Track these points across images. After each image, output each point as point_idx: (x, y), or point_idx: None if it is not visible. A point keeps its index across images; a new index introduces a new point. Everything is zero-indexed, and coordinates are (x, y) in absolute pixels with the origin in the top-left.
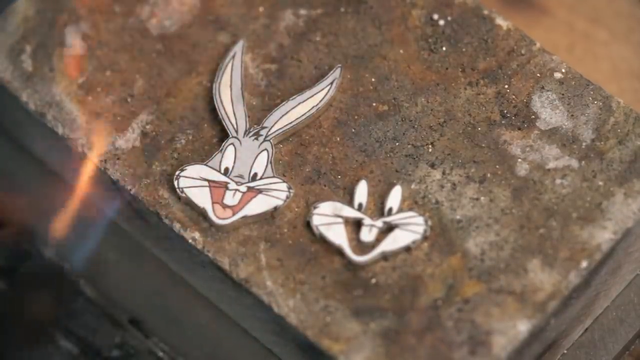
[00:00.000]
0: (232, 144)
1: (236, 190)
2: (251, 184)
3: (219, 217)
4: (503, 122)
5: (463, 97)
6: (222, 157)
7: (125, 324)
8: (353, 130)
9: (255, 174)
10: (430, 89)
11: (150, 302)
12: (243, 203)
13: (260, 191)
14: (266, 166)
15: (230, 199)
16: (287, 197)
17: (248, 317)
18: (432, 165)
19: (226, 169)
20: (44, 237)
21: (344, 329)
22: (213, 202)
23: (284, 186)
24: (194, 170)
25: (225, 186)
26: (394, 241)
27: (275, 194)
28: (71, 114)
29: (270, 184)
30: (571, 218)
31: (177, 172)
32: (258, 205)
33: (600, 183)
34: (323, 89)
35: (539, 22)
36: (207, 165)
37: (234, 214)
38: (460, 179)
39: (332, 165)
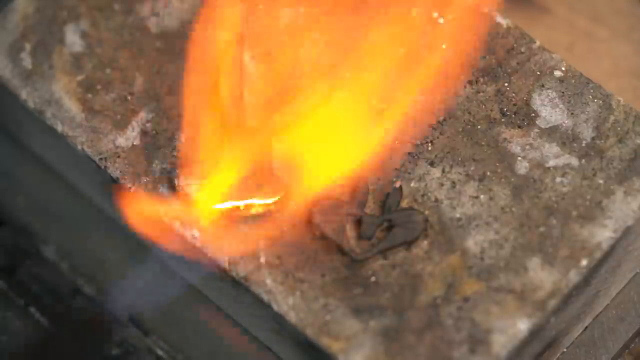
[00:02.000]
0: None
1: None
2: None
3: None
4: (503, 120)
5: (463, 95)
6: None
7: (124, 322)
8: (352, 127)
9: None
10: (430, 87)
11: (149, 300)
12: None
13: (260, 188)
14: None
15: None
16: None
17: (247, 315)
18: (432, 164)
19: None
20: (43, 236)
21: (344, 327)
22: None
23: (282, 183)
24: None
25: None
26: (394, 239)
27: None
28: (70, 112)
29: (268, 180)
30: (571, 216)
31: (177, 170)
32: (257, 202)
33: (600, 181)
34: (322, 87)
35: (539, 20)
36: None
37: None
38: (460, 177)
39: (331, 162)
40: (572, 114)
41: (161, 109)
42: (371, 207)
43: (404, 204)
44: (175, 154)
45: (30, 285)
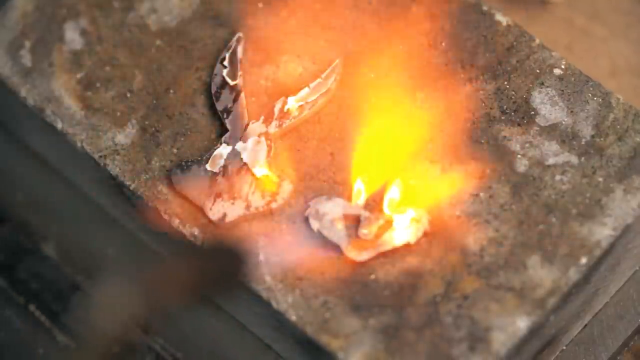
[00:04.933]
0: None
1: None
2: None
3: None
4: (502, 118)
5: (462, 93)
6: (220, 152)
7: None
8: (352, 125)
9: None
10: (430, 85)
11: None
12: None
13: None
14: (264, 162)
15: None
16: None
17: (247, 313)
18: (432, 161)
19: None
20: (43, 234)
21: (343, 325)
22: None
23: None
24: (194, 165)
25: None
26: (393, 237)
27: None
28: (70, 109)
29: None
30: (571, 214)
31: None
32: (256, 201)
33: (600, 179)
34: (322, 84)
35: (538, 18)
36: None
37: None
38: (460, 174)
39: (331, 160)
40: (571, 112)
41: (160, 107)
42: (370, 206)
43: (404, 202)
44: (174, 151)
45: (30, 282)
